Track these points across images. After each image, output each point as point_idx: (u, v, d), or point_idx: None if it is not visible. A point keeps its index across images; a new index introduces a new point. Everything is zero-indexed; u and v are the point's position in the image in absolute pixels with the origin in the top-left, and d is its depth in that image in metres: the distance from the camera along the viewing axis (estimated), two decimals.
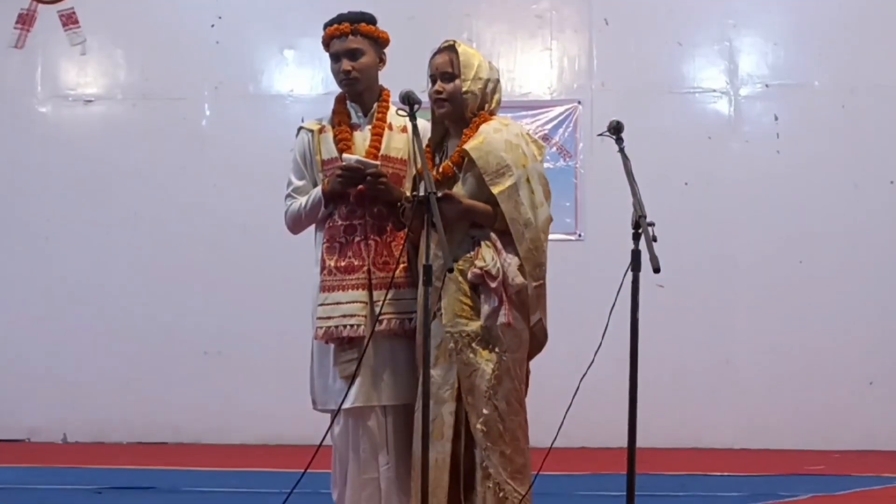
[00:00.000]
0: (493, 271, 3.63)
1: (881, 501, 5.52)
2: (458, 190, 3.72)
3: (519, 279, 3.67)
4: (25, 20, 7.63)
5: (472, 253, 3.69)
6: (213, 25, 7.54)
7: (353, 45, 3.92)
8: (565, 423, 3.89)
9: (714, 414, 7.11)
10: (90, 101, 7.67)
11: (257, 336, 7.24)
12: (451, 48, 3.81)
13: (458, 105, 3.79)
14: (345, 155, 3.80)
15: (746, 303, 7.16)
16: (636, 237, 3.45)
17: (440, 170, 3.80)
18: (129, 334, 7.40)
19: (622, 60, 7.30)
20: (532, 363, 3.88)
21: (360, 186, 3.76)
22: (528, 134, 3.92)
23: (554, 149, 7.18)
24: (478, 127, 3.78)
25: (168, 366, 7.34)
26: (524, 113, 7.20)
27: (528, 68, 7.36)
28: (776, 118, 7.23)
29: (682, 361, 7.08)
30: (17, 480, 6.00)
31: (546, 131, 7.24)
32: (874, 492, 5.79)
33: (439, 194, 3.62)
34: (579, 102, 7.29)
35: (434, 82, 3.81)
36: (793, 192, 7.17)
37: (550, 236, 3.85)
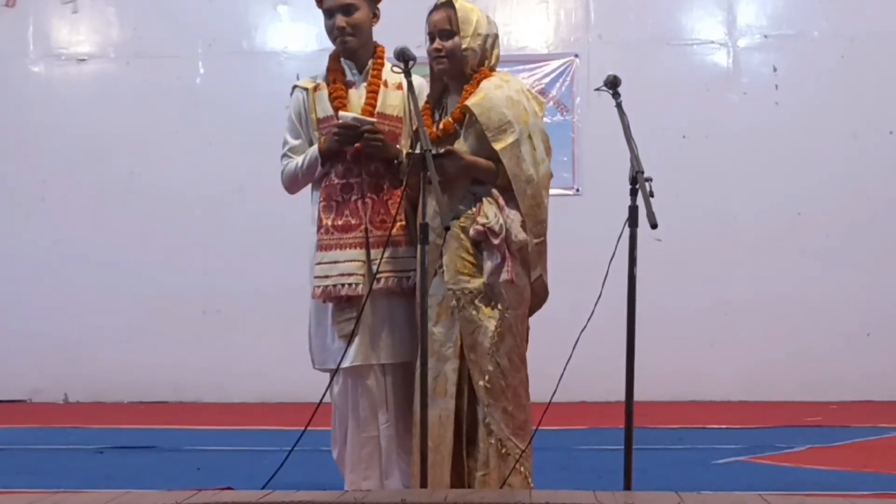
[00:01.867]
0: (496, 228, 3.62)
1: (878, 452, 5.55)
2: (460, 146, 3.70)
3: (521, 235, 3.66)
4: None
5: (473, 209, 3.69)
6: None
7: (347, 0, 3.88)
8: (564, 377, 3.90)
9: (712, 367, 7.13)
10: (83, 59, 7.61)
11: (256, 295, 7.24)
12: (448, 4, 3.77)
13: (458, 62, 3.76)
14: (341, 112, 3.78)
15: (745, 255, 7.15)
16: (633, 193, 3.45)
17: (441, 126, 3.77)
18: (127, 294, 7.39)
19: (619, 13, 7.24)
20: (531, 318, 3.89)
21: (357, 144, 3.74)
22: (528, 90, 3.90)
23: (551, 103, 7.14)
24: (478, 83, 3.75)
25: (168, 325, 7.35)
26: (521, 67, 7.15)
27: (525, 22, 7.29)
28: (775, 69, 7.18)
29: (681, 314, 7.09)
30: (19, 440, 6.04)
31: (543, 85, 7.19)
32: (871, 442, 5.83)
33: (441, 150, 3.60)
34: (576, 56, 7.23)
35: (432, 40, 3.78)
36: (792, 143, 7.14)
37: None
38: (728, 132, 7.15)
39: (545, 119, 3.98)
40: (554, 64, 7.24)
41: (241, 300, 7.32)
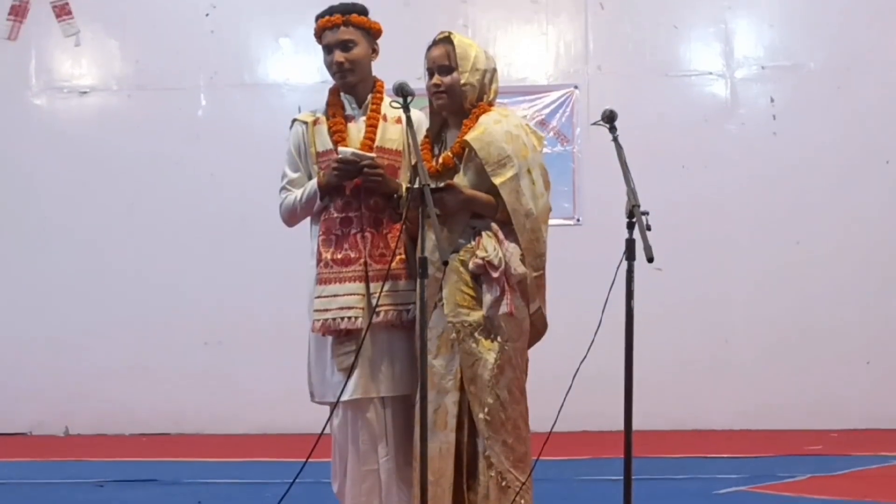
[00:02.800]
0: (496, 261, 3.64)
1: (880, 480, 5.54)
2: (460, 180, 3.72)
3: (521, 269, 3.68)
4: (18, 12, 7.62)
5: (472, 243, 3.70)
6: (207, 15, 7.52)
7: (345, 36, 3.92)
8: (565, 407, 3.91)
9: (713, 396, 7.13)
10: (85, 92, 7.66)
11: (257, 326, 7.25)
12: (446, 40, 3.81)
13: (457, 97, 3.79)
14: (340, 148, 3.79)
15: (744, 284, 7.17)
16: (630, 226, 3.47)
17: (440, 161, 3.80)
18: (129, 326, 7.40)
19: (618, 44, 7.29)
20: (530, 350, 3.90)
21: (356, 180, 3.77)
22: (527, 125, 3.93)
23: (551, 134, 7.18)
24: (477, 118, 3.78)
25: (169, 357, 7.36)
26: (521, 98, 7.20)
27: (525, 54, 7.35)
28: (772, 100, 7.22)
29: (681, 343, 7.10)
30: (20, 475, 6.03)
31: (543, 116, 7.24)
32: (873, 471, 5.82)
33: (441, 185, 3.63)
34: (576, 87, 7.28)
35: (431, 76, 3.81)
36: (790, 173, 7.17)
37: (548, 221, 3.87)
38: (727, 162, 7.19)
39: (545, 150, 4.02)
40: (554, 95, 7.29)
41: (242, 332, 7.33)
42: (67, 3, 7.59)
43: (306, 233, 4.08)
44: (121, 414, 7.38)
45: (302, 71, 7.47)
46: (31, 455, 6.74)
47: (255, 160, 7.07)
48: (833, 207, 7.13)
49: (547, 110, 7.27)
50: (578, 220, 7.22)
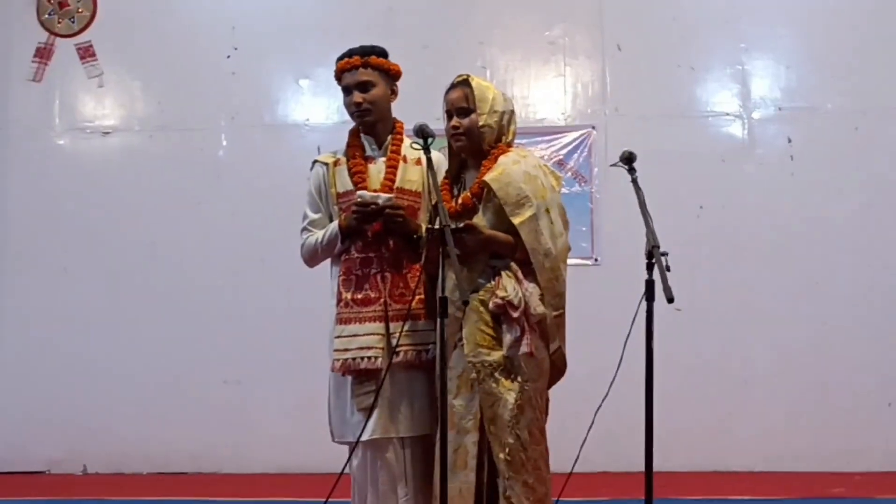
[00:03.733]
0: (515, 301, 3.65)
1: None
2: (479, 220, 3.75)
3: (540, 308, 3.69)
4: (43, 54, 7.72)
5: (492, 283, 3.72)
6: (228, 57, 7.60)
7: (364, 77, 3.98)
8: (585, 447, 3.92)
9: (733, 437, 7.08)
10: (108, 132, 7.73)
11: (276, 365, 7.25)
12: (465, 83, 3.86)
13: (476, 139, 3.83)
14: (360, 192, 3.83)
15: (763, 325, 7.13)
16: (650, 267, 3.48)
17: (459, 201, 3.83)
18: (147, 364, 7.42)
19: (635, 85, 7.32)
20: (551, 388, 3.91)
21: (377, 224, 3.79)
22: (545, 165, 3.96)
23: (569, 174, 7.20)
24: (496, 159, 3.81)
25: (187, 395, 7.36)
26: (539, 139, 7.24)
27: (542, 94, 7.39)
28: (789, 141, 7.23)
29: (700, 384, 7.06)
30: None
31: (561, 157, 7.27)
32: None
33: (461, 225, 3.66)
34: (593, 128, 7.31)
35: (450, 118, 3.86)
36: (808, 213, 7.15)
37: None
38: (744, 203, 7.18)
39: (563, 190, 4.04)
40: (571, 136, 7.32)
41: (261, 370, 7.33)
42: (91, 45, 7.69)
43: (325, 272, 4.11)
44: (139, 452, 7.38)
45: (322, 111, 7.52)
46: (50, 494, 6.74)
47: (275, 200, 7.12)
48: (852, 248, 7.11)
49: (564, 151, 7.30)
50: (596, 259, 7.22)
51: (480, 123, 3.82)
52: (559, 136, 7.31)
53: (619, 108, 7.32)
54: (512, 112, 3.93)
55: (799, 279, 7.11)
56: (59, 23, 7.72)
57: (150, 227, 7.52)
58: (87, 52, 7.70)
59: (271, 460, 7.27)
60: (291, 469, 7.19)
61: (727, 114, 7.30)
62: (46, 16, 7.73)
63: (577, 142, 7.29)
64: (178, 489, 6.82)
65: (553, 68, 7.41)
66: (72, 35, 7.71)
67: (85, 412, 7.40)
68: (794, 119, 7.23)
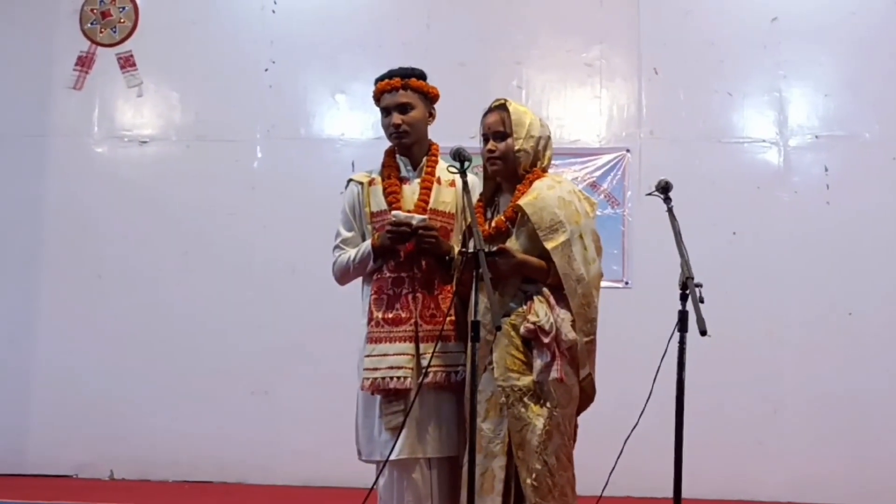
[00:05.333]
0: (547, 326, 3.65)
1: None
2: (512, 244, 3.76)
3: (571, 335, 3.68)
4: (84, 62, 7.80)
5: (524, 307, 3.72)
6: (266, 70, 7.65)
7: (404, 99, 4.00)
8: (613, 472, 3.90)
9: (761, 466, 7.03)
10: (145, 141, 7.79)
11: (304, 378, 7.27)
12: (502, 107, 3.87)
13: (511, 163, 3.84)
14: (394, 212, 3.84)
15: (794, 353, 7.08)
16: (683, 298, 3.47)
17: (493, 224, 3.84)
18: (177, 372, 7.46)
19: (671, 109, 7.30)
20: (580, 414, 3.90)
21: (409, 244, 3.80)
22: (580, 191, 3.96)
23: (602, 196, 7.19)
24: (531, 183, 3.82)
25: (215, 404, 7.40)
26: (573, 160, 7.24)
27: (578, 116, 7.38)
28: (826, 169, 7.18)
29: (729, 412, 7.01)
30: None
31: (594, 179, 7.26)
32: None
33: (494, 248, 3.67)
34: (628, 151, 7.29)
35: (486, 141, 3.87)
36: (843, 242, 7.10)
37: None
38: (779, 230, 7.14)
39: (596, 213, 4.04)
40: (605, 158, 7.31)
41: (290, 382, 7.36)
42: (132, 55, 7.77)
43: (356, 287, 4.12)
44: (165, 460, 7.42)
45: (357, 127, 7.55)
46: (77, 498, 6.78)
47: (309, 213, 7.16)
48: (886, 279, 7.04)
49: (598, 173, 7.29)
50: (627, 282, 7.20)
51: (516, 148, 3.83)
52: (593, 157, 7.30)
53: (655, 131, 7.30)
54: (548, 138, 3.94)
55: (832, 309, 7.05)
56: (101, 32, 7.80)
57: (184, 236, 7.57)
58: (127, 62, 7.77)
59: (297, 473, 7.28)
60: (317, 482, 7.20)
61: (763, 140, 7.26)
62: (89, 25, 7.81)
63: (612, 164, 7.28)
64: (204, 498, 6.85)
65: (589, 90, 7.41)
66: (113, 45, 7.79)
67: (114, 418, 7.45)
68: (831, 147, 7.19)
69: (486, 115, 3.91)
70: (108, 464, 7.53)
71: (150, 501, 6.72)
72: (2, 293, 7.69)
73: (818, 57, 7.25)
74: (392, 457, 3.75)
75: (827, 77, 7.24)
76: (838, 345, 7.02)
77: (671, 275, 3.60)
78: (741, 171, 7.22)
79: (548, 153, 3.93)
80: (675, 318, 3.52)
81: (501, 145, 3.84)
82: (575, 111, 7.40)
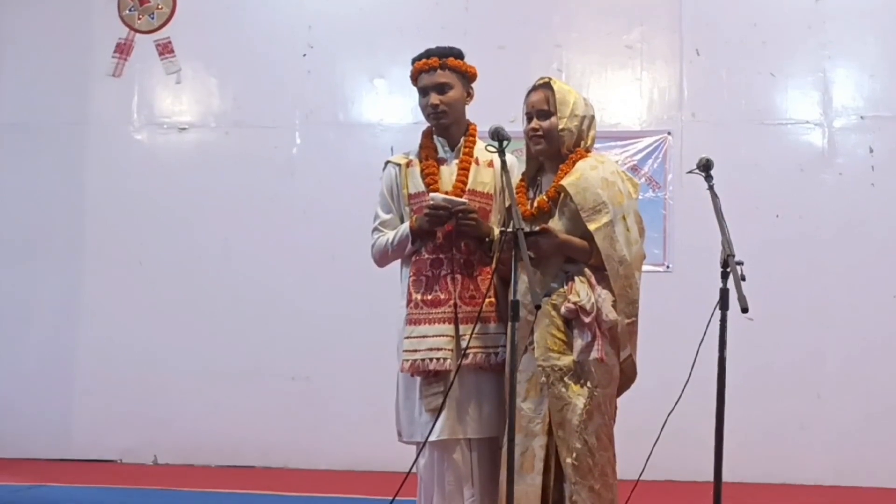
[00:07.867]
0: (588, 306, 3.63)
1: None
2: (554, 224, 3.74)
3: (612, 315, 3.67)
4: (123, 49, 7.84)
5: (565, 287, 3.70)
6: (304, 55, 7.65)
7: (442, 79, 3.97)
8: (652, 455, 3.89)
9: (803, 449, 6.96)
10: (184, 128, 7.83)
11: (345, 362, 7.29)
12: (546, 85, 3.84)
13: (554, 142, 3.82)
14: (432, 194, 3.82)
15: (838, 337, 7.00)
16: (724, 276, 3.44)
17: (535, 204, 3.82)
18: (218, 359, 7.50)
19: (713, 91, 7.22)
20: (620, 395, 3.88)
21: (448, 225, 3.79)
22: (623, 172, 3.93)
23: (643, 179, 7.14)
24: (574, 163, 3.80)
25: (257, 390, 7.43)
26: (614, 143, 7.18)
27: (619, 99, 7.32)
28: (871, 150, 7.08)
29: (772, 395, 6.95)
30: (111, 500, 6.15)
31: (635, 162, 7.20)
32: None
33: (536, 228, 3.65)
34: (669, 133, 7.23)
35: (530, 120, 3.84)
36: (888, 224, 7.00)
37: None
38: (823, 212, 7.05)
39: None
40: (647, 141, 7.25)
41: (330, 368, 7.38)
42: (170, 42, 7.80)
43: (395, 270, 4.11)
44: (208, 445, 7.46)
45: (395, 111, 7.54)
46: (121, 482, 6.84)
47: (348, 198, 7.16)
48: None
49: (639, 156, 7.23)
50: (668, 266, 7.14)
51: (560, 127, 3.80)
52: (634, 140, 7.24)
53: (696, 113, 7.23)
54: (592, 117, 3.91)
55: (876, 291, 6.96)
56: (139, 19, 7.84)
57: (224, 223, 7.60)
58: (165, 49, 7.81)
59: (338, 457, 7.31)
60: (358, 467, 7.22)
61: (807, 122, 7.17)
62: (127, 12, 7.86)
63: (653, 147, 7.22)
64: (246, 482, 6.88)
65: (630, 73, 7.35)
66: (151, 31, 7.83)
67: (157, 404, 7.51)
68: (876, 128, 7.09)
69: (529, 93, 3.88)
70: (152, 449, 7.59)
71: (193, 486, 6.76)
72: (45, 281, 7.76)
73: (864, 36, 7.15)
74: (432, 437, 3.75)
75: (873, 57, 7.14)
76: (882, 328, 6.94)
77: (712, 259, 3.57)
78: (784, 153, 7.14)
79: (591, 133, 3.89)
80: (716, 303, 3.49)
81: (545, 124, 3.81)
82: (615, 94, 7.34)
